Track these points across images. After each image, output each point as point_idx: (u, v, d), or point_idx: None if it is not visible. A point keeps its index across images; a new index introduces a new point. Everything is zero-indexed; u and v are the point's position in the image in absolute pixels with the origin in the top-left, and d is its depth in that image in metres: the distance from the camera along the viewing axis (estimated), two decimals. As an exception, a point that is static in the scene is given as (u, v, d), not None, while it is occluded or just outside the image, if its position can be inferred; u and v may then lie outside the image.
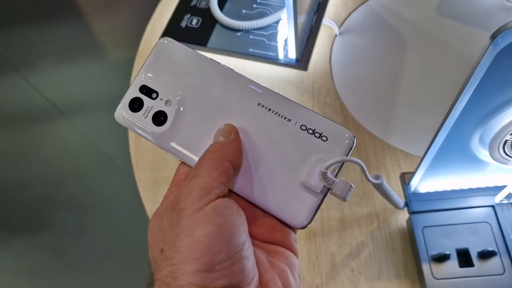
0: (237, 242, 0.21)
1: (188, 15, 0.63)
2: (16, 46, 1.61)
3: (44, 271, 1.17)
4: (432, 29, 0.62)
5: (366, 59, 0.60)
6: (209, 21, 0.62)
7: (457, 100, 0.32)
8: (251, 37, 0.60)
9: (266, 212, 0.26)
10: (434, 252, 0.43)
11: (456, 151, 0.39)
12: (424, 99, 0.56)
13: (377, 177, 0.32)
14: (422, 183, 0.45)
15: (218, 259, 0.20)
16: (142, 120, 0.27)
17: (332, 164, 0.24)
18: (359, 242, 0.48)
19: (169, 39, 0.28)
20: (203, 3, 0.64)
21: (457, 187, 0.46)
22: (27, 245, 1.21)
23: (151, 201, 0.53)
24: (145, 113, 0.27)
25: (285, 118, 0.26)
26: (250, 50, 0.59)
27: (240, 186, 0.26)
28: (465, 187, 0.46)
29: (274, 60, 0.58)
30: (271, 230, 0.26)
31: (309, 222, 0.25)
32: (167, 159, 0.55)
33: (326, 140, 0.25)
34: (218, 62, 0.28)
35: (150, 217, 0.53)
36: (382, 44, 0.61)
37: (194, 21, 0.63)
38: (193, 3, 0.64)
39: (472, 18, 0.62)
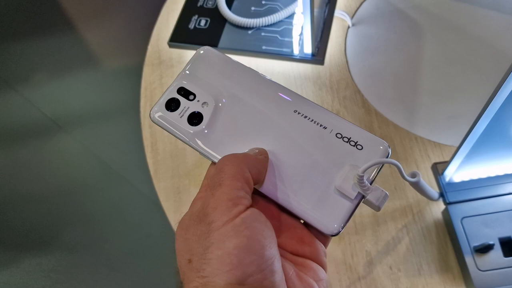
0: (268, 255, 0.21)
1: (196, 16, 0.61)
2: (9, 61, 1.58)
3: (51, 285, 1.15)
4: (446, 13, 0.60)
5: (382, 49, 0.59)
6: (218, 21, 0.60)
7: (499, 89, 0.31)
8: (263, 34, 0.58)
9: (296, 221, 0.26)
10: (476, 243, 0.42)
11: (497, 139, 0.37)
12: (446, 86, 0.55)
13: (413, 175, 0.31)
14: (458, 173, 0.43)
15: (249, 271, 0.20)
16: (177, 120, 0.28)
17: (369, 167, 0.23)
18: (395, 237, 0.46)
19: (208, 47, 0.29)
20: (210, 2, 0.62)
21: (493, 174, 0.44)
22: (33, 264, 1.18)
23: (174, 211, 0.51)
24: (181, 113, 0.28)
25: (321, 125, 0.26)
26: (263, 47, 0.57)
27: (273, 189, 0.26)
28: (501, 173, 0.44)
29: (289, 56, 0.57)
30: (301, 243, 0.25)
31: (341, 230, 0.25)
32: (187, 167, 0.53)
33: (362, 148, 0.26)
34: (255, 70, 0.28)
35: (173, 226, 0.51)
36: (396, 32, 0.60)
37: (203, 22, 0.61)
38: (199, 4, 0.63)
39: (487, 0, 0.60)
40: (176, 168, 0.54)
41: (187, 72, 0.29)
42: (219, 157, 0.26)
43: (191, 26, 0.61)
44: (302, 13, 0.50)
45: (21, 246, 1.22)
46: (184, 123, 0.27)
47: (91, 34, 1.64)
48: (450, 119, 0.52)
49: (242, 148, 0.26)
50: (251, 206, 0.23)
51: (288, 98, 0.27)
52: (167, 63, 0.62)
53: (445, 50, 0.57)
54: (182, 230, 0.23)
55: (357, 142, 0.26)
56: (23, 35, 1.61)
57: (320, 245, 0.26)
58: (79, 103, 1.46)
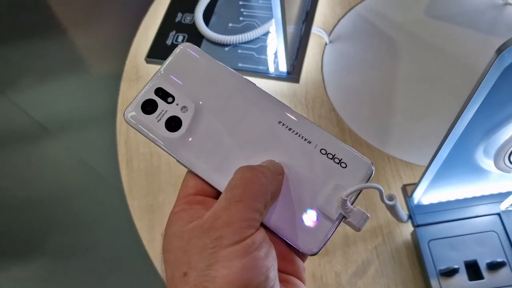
0: (272, 276, 0.21)
1: (173, 32, 0.62)
2: (-3, 65, 1.58)
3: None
4: (423, 31, 0.60)
5: (358, 67, 0.59)
6: (195, 37, 0.60)
7: (461, 115, 0.31)
8: (239, 51, 0.59)
9: (277, 238, 0.25)
10: (442, 266, 0.42)
11: (461, 163, 0.38)
12: (420, 105, 0.55)
13: (391, 198, 0.31)
14: (425, 195, 0.44)
15: None
16: (154, 124, 0.26)
17: (354, 192, 0.23)
18: (364, 259, 0.47)
19: (190, 44, 0.27)
20: (188, 18, 0.62)
21: (461, 197, 0.45)
22: (19, 271, 1.18)
23: (148, 230, 0.51)
24: (158, 116, 0.26)
25: (305, 139, 0.25)
26: (240, 65, 0.57)
27: None
28: (469, 196, 0.45)
29: (264, 74, 0.57)
30: (284, 260, 0.25)
31: (320, 250, 0.24)
32: (162, 185, 0.53)
33: (345, 167, 0.25)
34: (239, 74, 0.27)
35: (146, 245, 0.51)
36: (373, 50, 0.60)
37: (180, 38, 0.61)
38: (177, 19, 0.63)
39: (463, 18, 0.61)
40: (150, 187, 0.54)
41: (166, 70, 0.27)
42: (198, 165, 0.25)
43: (169, 42, 0.61)
44: (275, 32, 0.50)
45: (8, 252, 1.21)
46: (161, 128, 0.25)
47: (79, 39, 1.63)
48: (423, 139, 0.53)
49: (222, 159, 0.25)
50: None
51: (274, 108, 0.26)
52: (145, 78, 0.62)
53: (421, 69, 0.58)
54: (181, 240, 0.22)
55: (341, 159, 0.25)
56: (11, 40, 1.61)
57: (299, 261, 0.25)
58: (67, 107, 1.45)
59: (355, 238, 0.48)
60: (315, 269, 0.46)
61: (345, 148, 0.25)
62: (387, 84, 0.57)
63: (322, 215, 0.24)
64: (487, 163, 0.37)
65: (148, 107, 0.26)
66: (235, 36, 0.58)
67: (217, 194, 0.25)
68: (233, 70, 0.27)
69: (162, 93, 0.26)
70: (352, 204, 0.24)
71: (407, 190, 0.47)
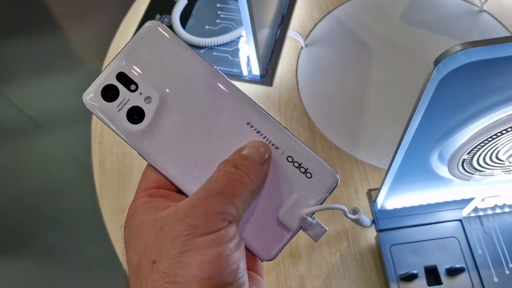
0: (243, 267, 0.21)
1: (150, 34, 0.62)
2: (-9, 61, 1.58)
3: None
4: (398, 37, 0.61)
5: (333, 71, 0.59)
6: (172, 39, 0.61)
7: (409, 123, 0.31)
8: (214, 54, 0.59)
9: None
10: (402, 271, 0.43)
11: (417, 169, 0.38)
12: (390, 110, 0.55)
13: (355, 211, 0.31)
14: (388, 200, 0.44)
15: (227, 281, 0.20)
16: (114, 113, 0.24)
17: (314, 211, 0.24)
18: (328, 262, 0.47)
19: (158, 23, 0.25)
20: (166, 20, 0.63)
21: (424, 202, 0.45)
22: (8, 267, 1.18)
23: (116, 230, 0.51)
24: (119, 105, 0.24)
25: (273, 144, 0.24)
26: (214, 67, 0.58)
27: None
28: (432, 201, 0.45)
29: (238, 77, 0.57)
30: (246, 258, 0.25)
31: (275, 257, 0.25)
32: (133, 186, 0.54)
33: (311, 177, 0.24)
34: (211, 65, 0.25)
35: (114, 245, 0.52)
36: (348, 54, 0.60)
37: (157, 40, 0.61)
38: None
39: (438, 24, 0.61)
40: (121, 187, 0.54)
41: (131, 51, 0.24)
42: (160, 161, 0.24)
43: (146, 43, 0.61)
44: (246, 36, 0.50)
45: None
46: (122, 119, 0.24)
47: (74, 36, 1.64)
48: (392, 144, 0.53)
49: (186, 156, 0.24)
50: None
51: (243, 107, 0.24)
52: (122, 79, 0.62)
53: (394, 74, 0.58)
54: (154, 228, 0.21)
55: (307, 169, 0.24)
56: (6, 36, 1.61)
57: (258, 259, 0.26)
58: (61, 104, 1.46)
59: (320, 241, 0.48)
60: (279, 271, 0.47)
61: (313, 157, 0.24)
62: (360, 89, 0.57)
63: (281, 225, 0.24)
64: (443, 170, 0.38)
65: (109, 93, 0.24)
66: (210, 39, 0.59)
67: (178, 189, 0.25)
68: (204, 60, 0.25)
69: (124, 79, 0.24)
70: (312, 216, 0.24)
71: (372, 195, 0.47)
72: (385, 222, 0.45)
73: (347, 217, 0.28)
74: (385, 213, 0.46)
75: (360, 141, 0.53)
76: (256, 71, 0.56)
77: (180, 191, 0.25)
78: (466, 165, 0.36)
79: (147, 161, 0.24)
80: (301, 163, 0.24)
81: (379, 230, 0.45)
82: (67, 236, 1.21)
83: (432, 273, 0.43)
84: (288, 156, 0.24)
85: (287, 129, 0.25)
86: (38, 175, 1.33)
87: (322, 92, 0.58)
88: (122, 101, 0.24)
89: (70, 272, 1.16)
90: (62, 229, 1.23)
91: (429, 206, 0.45)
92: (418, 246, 0.44)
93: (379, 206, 0.46)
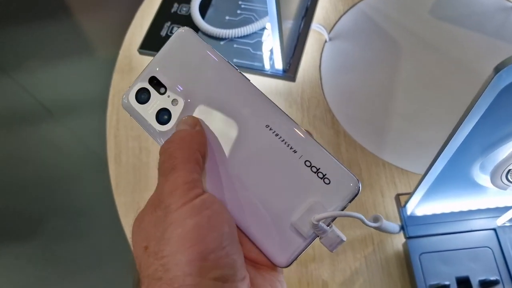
0: (229, 233, 0.22)
1: (169, 23, 0.59)
2: (3, 46, 1.56)
3: (36, 279, 1.15)
4: (427, 32, 0.58)
5: (358, 67, 0.57)
6: (191, 29, 0.58)
7: (457, 130, 0.29)
8: (235, 46, 0.56)
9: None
10: (432, 281, 0.41)
11: (456, 178, 0.36)
12: (419, 110, 0.53)
13: (376, 219, 0.29)
14: (419, 207, 0.42)
15: (211, 247, 0.20)
16: (146, 114, 0.25)
17: (325, 218, 0.23)
18: (352, 268, 0.45)
19: (189, 29, 0.26)
20: (184, 9, 0.60)
21: (456, 210, 0.43)
22: (17, 253, 1.18)
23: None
24: (150, 107, 0.25)
25: (291, 148, 0.24)
26: (235, 60, 0.55)
27: (231, 207, 0.24)
28: (465, 209, 0.43)
29: (260, 71, 0.55)
30: (259, 254, 0.25)
31: (289, 264, 0.24)
32: (149, 181, 0.52)
33: (329, 183, 0.23)
34: (235, 68, 0.26)
35: (132, 244, 0.50)
36: (374, 49, 0.58)
37: (175, 30, 0.59)
38: (173, 10, 0.60)
39: (469, 20, 0.58)
40: (137, 183, 0.52)
41: (162, 57, 0.26)
42: None
43: (163, 33, 0.59)
44: (271, 29, 0.48)
45: (4, 233, 1.21)
46: (152, 120, 0.25)
47: (87, 23, 1.61)
48: (420, 146, 0.51)
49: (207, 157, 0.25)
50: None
51: (263, 111, 0.25)
52: (138, 70, 0.60)
53: (422, 72, 0.55)
54: (137, 221, 0.23)
55: (325, 175, 0.23)
56: (19, 21, 1.59)
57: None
58: (72, 91, 1.44)
59: (344, 246, 0.46)
60: (302, 276, 0.45)
61: (332, 162, 0.24)
62: (387, 86, 0.55)
63: (295, 231, 0.23)
64: (483, 178, 0.36)
65: (142, 95, 0.25)
66: (231, 30, 0.56)
67: None
68: (230, 64, 0.26)
69: (156, 82, 0.25)
70: (329, 224, 0.23)
71: (401, 200, 0.45)
72: (415, 229, 0.43)
73: (366, 225, 0.26)
74: (415, 219, 0.44)
75: (386, 142, 0.51)
76: (279, 65, 0.53)
77: None
78: (511, 175, 0.34)
79: None
80: (319, 168, 0.24)
81: (408, 237, 0.43)
82: (75, 224, 1.20)
83: (464, 285, 0.41)
84: (306, 161, 0.24)
85: (309, 133, 0.24)
86: (49, 162, 1.32)
87: (347, 88, 0.55)
88: (153, 103, 0.25)
89: (78, 260, 1.16)
90: (73, 215, 1.22)
91: (461, 213, 0.43)
92: (449, 255, 0.42)
93: (408, 212, 0.44)
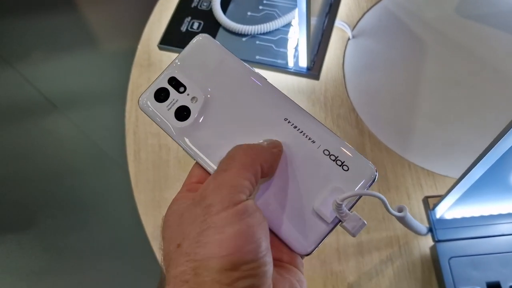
0: (265, 245, 0.21)
1: (189, 18, 0.58)
2: (7, 37, 1.55)
3: (38, 270, 1.14)
4: (453, 31, 0.57)
5: (381, 65, 0.56)
6: (212, 25, 0.57)
7: (503, 136, 0.28)
8: (257, 42, 0.55)
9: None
10: (462, 286, 0.40)
11: (494, 183, 0.35)
12: (445, 110, 0.52)
13: (400, 209, 0.29)
14: (450, 210, 0.41)
15: (246, 259, 0.20)
16: (164, 112, 0.26)
17: (349, 197, 0.23)
18: (378, 270, 0.44)
19: (206, 36, 0.28)
20: (205, 4, 0.59)
21: (486, 213, 0.42)
22: (19, 244, 1.18)
23: (153, 225, 0.49)
24: (169, 105, 0.26)
25: (309, 138, 0.25)
26: (257, 57, 0.54)
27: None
28: (495, 213, 0.42)
29: (283, 69, 0.54)
30: (279, 251, 0.25)
31: (313, 251, 0.24)
32: (169, 179, 0.51)
33: (347, 170, 0.25)
34: (251, 68, 0.27)
35: (151, 240, 0.50)
36: (398, 48, 0.57)
37: (196, 25, 0.58)
38: (194, 4, 0.59)
39: (497, 19, 0.57)
40: (157, 181, 0.51)
41: (182, 60, 0.27)
42: (202, 156, 0.25)
43: (183, 28, 0.58)
44: (298, 25, 0.47)
45: (6, 225, 1.21)
46: (170, 117, 0.26)
47: (92, 14, 1.60)
48: (447, 147, 0.50)
49: (225, 151, 0.24)
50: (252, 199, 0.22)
51: (281, 105, 0.26)
52: (157, 66, 0.59)
53: (448, 72, 0.54)
54: (177, 215, 0.22)
55: (344, 162, 0.24)
56: (23, 13, 1.58)
57: (297, 255, 0.25)
58: (76, 84, 1.43)
59: (370, 247, 0.45)
60: (327, 279, 0.44)
61: (350, 150, 0.25)
62: (412, 86, 0.54)
63: (318, 217, 0.24)
64: (522, 183, 0.35)
65: (161, 95, 0.26)
66: (253, 27, 0.55)
67: None
68: (246, 64, 0.27)
69: (175, 83, 0.27)
70: (350, 209, 0.24)
71: (429, 203, 0.44)
72: (444, 232, 0.42)
73: (389, 211, 0.26)
74: (444, 222, 0.43)
75: (412, 143, 0.50)
76: (303, 63, 0.52)
77: None
78: (552, 180, 0.33)
79: (190, 156, 0.26)
80: (338, 156, 0.25)
81: (437, 241, 0.42)
82: (77, 217, 1.20)
83: (495, 290, 0.40)
84: (325, 150, 0.25)
85: (324, 126, 0.26)
86: (51, 155, 1.31)
87: (371, 87, 0.54)
88: (172, 101, 0.26)
89: (78, 253, 1.15)
90: (74, 209, 1.21)
91: (491, 217, 0.42)
92: (479, 260, 0.41)
93: (438, 215, 0.43)
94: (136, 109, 0.56)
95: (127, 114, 0.56)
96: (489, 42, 0.56)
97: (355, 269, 0.45)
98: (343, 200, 0.23)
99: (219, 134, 0.26)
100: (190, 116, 0.26)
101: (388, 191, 0.48)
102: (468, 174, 0.34)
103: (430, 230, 0.43)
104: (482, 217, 0.42)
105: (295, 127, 0.25)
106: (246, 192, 0.22)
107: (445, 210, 0.41)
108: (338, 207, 0.23)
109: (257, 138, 0.25)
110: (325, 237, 0.24)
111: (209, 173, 0.25)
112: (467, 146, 0.49)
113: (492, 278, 0.40)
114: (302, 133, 0.25)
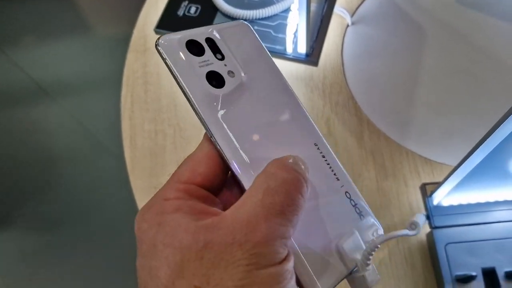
0: None
1: (186, 2, 0.57)
2: (-1, 22, 1.52)
3: (34, 256, 1.14)
4: (454, 19, 0.56)
5: (381, 53, 0.55)
6: (209, 9, 0.56)
7: (503, 121, 0.28)
8: (256, 28, 0.55)
9: None
10: (458, 272, 0.40)
11: (493, 170, 0.35)
12: (445, 99, 0.52)
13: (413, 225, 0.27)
14: (448, 197, 0.41)
15: None
16: (194, 67, 0.22)
17: (386, 240, 0.21)
18: (375, 257, 0.45)
19: (249, 25, 0.25)
20: (203, -12, 0.58)
21: (483, 200, 0.42)
22: (13, 231, 1.17)
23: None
24: (202, 63, 0.22)
25: (334, 174, 0.23)
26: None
27: None
28: (492, 200, 0.42)
29: (281, 55, 0.53)
30: None
31: None
32: (166, 166, 0.51)
33: (363, 220, 0.23)
34: (286, 82, 0.25)
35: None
36: (398, 35, 0.56)
37: (193, 9, 0.57)
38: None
39: (498, 7, 0.57)
40: (154, 166, 0.51)
41: (219, 31, 0.23)
42: (223, 133, 0.21)
43: (180, 13, 0.57)
44: (297, 10, 0.46)
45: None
46: (201, 76, 0.22)
47: (86, 0, 1.57)
48: (445, 135, 0.50)
49: (253, 145, 0.22)
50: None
51: (312, 128, 0.24)
52: (153, 50, 0.58)
53: (448, 60, 0.54)
54: (194, 241, 0.17)
55: (361, 211, 0.23)
56: (13, -3, 1.55)
57: None
58: (68, 70, 1.41)
59: (367, 235, 0.46)
60: (324, 265, 0.44)
61: (364, 203, 0.24)
62: (411, 73, 0.54)
63: (338, 257, 0.22)
64: (521, 170, 0.35)
65: (194, 48, 0.22)
66: (252, 11, 0.54)
67: (221, 191, 0.22)
68: (281, 74, 0.25)
69: (212, 45, 0.23)
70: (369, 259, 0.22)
71: (427, 190, 0.44)
72: (441, 219, 0.43)
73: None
74: (441, 209, 0.43)
75: (410, 131, 0.50)
76: (302, 49, 0.52)
77: (231, 180, 0.22)
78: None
79: (208, 130, 0.21)
80: (357, 204, 0.23)
81: (434, 227, 0.42)
82: (73, 203, 1.19)
83: (489, 276, 0.40)
84: (347, 192, 0.23)
85: (343, 169, 0.24)
86: (42, 142, 1.30)
87: (370, 75, 0.54)
88: (206, 61, 0.22)
89: (69, 244, 1.15)
90: (66, 196, 1.21)
91: (488, 204, 0.43)
92: (476, 246, 0.41)
93: (435, 202, 0.43)
94: (132, 94, 0.56)
95: (122, 99, 0.56)
96: (489, 30, 0.55)
97: (352, 256, 0.45)
98: (378, 243, 0.21)
99: (250, 126, 0.22)
100: (224, 87, 0.22)
101: (386, 179, 0.48)
102: (466, 161, 0.34)
103: (428, 217, 0.43)
104: (478, 204, 0.42)
105: (323, 156, 0.23)
106: (288, 244, 0.19)
107: (443, 197, 0.41)
108: (366, 257, 0.21)
109: (288, 151, 0.22)
110: (339, 281, 0.22)
111: (224, 162, 0.21)
112: (465, 134, 0.49)
113: (488, 264, 0.40)
114: (329, 166, 0.23)
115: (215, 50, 0.23)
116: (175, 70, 0.21)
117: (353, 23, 0.57)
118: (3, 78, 1.43)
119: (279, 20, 0.55)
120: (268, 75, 0.24)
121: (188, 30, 0.23)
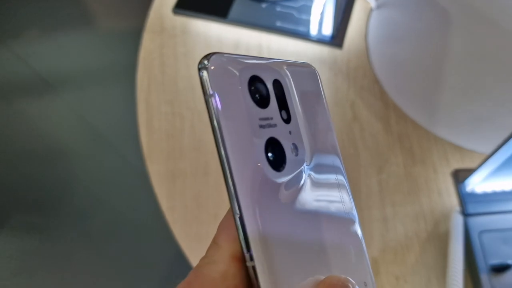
0: None
1: (205, -18, 0.55)
2: (1, 15, 1.50)
3: (33, 254, 1.12)
4: (481, 3, 0.55)
5: (406, 37, 0.54)
6: (229, -10, 0.54)
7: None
8: (278, 9, 0.53)
9: None
10: (494, 261, 0.39)
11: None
12: (473, 84, 0.50)
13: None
14: (482, 184, 0.40)
15: None
16: (253, 125, 0.15)
17: None
18: (404, 246, 0.43)
19: (317, 72, 0.20)
20: (222, -32, 0.56)
21: (518, 187, 0.41)
22: (13, 227, 1.15)
23: (167, 198, 0.47)
24: (263, 120, 0.15)
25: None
26: (278, 24, 0.52)
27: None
28: (528, 187, 0.41)
29: (305, 37, 0.51)
30: None
31: None
32: (184, 150, 0.49)
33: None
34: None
35: (166, 214, 0.47)
36: (424, 19, 0.54)
37: (212, -11, 0.55)
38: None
39: (526, -8, 0.55)
40: (171, 150, 0.49)
41: (291, 72, 0.17)
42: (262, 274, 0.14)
43: (199, -8, 0.55)
44: (325, -11, 0.44)
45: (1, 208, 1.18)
46: (258, 144, 0.15)
47: (89, -9, 1.55)
48: (475, 121, 0.48)
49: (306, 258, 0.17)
50: None
51: (365, 261, 0.20)
52: (170, 32, 0.56)
53: (476, 45, 0.52)
54: None
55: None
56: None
57: None
58: (72, 63, 1.39)
59: (395, 223, 0.44)
60: (350, 253, 0.43)
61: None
62: (437, 59, 0.52)
63: None
64: None
65: (257, 91, 0.15)
66: (274, -8, 0.52)
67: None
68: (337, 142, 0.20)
69: (279, 93, 0.16)
70: None
71: (459, 176, 0.42)
72: (474, 206, 0.41)
73: None
74: (474, 196, 0.41)
75: (438, 116, 0.48)
76: (327, 31, 0.50)
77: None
78: None
79: (244, 242, 0.14)
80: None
81: (467, 214, 0.41)
82: (79, 196, 1.17)
83: (526, 265, 0.39)
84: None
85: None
86: (44, 135, 1.28)
87: (395, 59, 0.52)
88: (268, 118, 0.15)
89: (72, 234, 1.13)
90: (71, 190, 1.19)
91: (523, 192, 0.41)
92: (510, 234, 0.40)
93: (468, 189, 0.41)
94: (148, 76, 0.54)
95: (138, 82, 0.54)
96: (517, 15, 0.54)
97: (380, 244, 0.43)
98: None
99: (300, 249, 0.16)
100: (283, 171, 0.15)
101: (414, 165, 0.46)
102: (503, 147, 0.32)
103: (460, 204, 0.42)
104: (513, 192, 0.41)
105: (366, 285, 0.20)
106: None
107: (477, 183, 0.40)
108: None
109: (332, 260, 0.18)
110: None
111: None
112: (495, 120, 0.48)
113: (524, 253, 0.39)
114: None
115: (282, 103, 0.16)
116: (223, 124, 0.13)
117: (378, 7, 0.55)
118: (6, 70, 1.41)
119: (302, 1, 0.53)
120: (330, 159, 0.18)
121: (246, 56, 0.15)
